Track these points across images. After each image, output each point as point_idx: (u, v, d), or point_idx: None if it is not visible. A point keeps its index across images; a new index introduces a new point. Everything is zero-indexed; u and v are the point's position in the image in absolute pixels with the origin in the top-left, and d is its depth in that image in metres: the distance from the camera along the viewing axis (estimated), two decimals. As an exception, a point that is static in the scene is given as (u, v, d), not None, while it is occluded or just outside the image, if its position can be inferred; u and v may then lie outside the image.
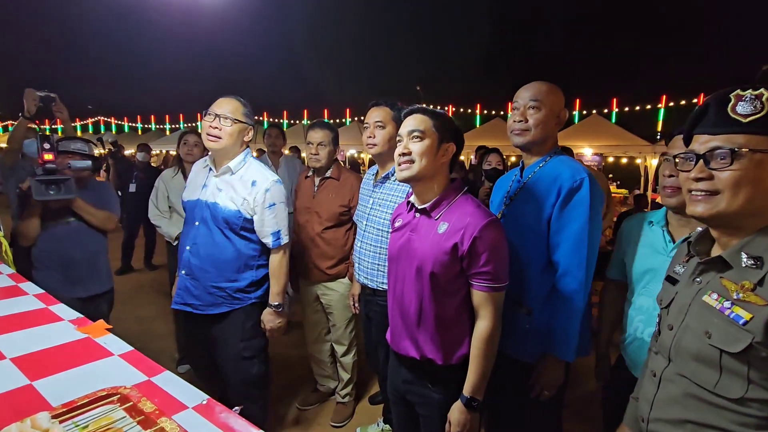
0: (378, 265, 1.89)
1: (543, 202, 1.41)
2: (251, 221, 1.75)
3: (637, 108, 12.85)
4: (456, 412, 1.25)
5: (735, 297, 0.81)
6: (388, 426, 2.26)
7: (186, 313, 1.81)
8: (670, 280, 1.03)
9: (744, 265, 0.82)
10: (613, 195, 8.45)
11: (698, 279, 0.91)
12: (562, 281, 1.39)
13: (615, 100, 13.12)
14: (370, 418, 2.44)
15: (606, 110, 12.93)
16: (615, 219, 4.56)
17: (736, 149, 0.80)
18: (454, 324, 1.28)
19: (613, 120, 12.20)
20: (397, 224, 1.41)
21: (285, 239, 1.81)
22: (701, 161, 0.84)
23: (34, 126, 2.29)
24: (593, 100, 13.02)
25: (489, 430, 1.68)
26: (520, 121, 1.43)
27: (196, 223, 1.76)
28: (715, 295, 0.85)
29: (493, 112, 14.91)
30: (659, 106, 12.29)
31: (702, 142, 0.86)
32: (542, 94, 1.41)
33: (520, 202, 1.49)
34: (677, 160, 0.90)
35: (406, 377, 1.38)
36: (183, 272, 1.77)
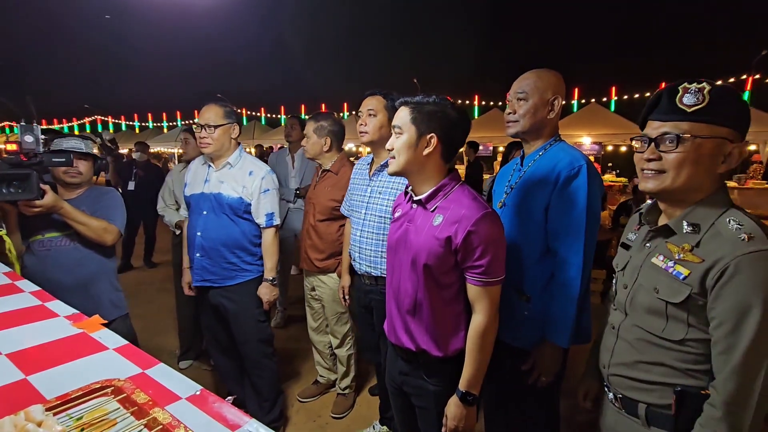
0: (381, 252, 1.85)
1: (542, 190, 1.41)
2: (251, 205, 2.05)
3: (636, 96, 12.75)
4: (452, 406, 1.25)
5: (677, 257, 0.95)
6: (385, 428, 2.24)
7: (204, 295, 2.12)
8: (624, 246, 1.17)
9: (684, 231, 0.96)
10: (612, 183, 8.41)
11: (648, 244, 1.06)
12: (559, 268, 1.39)
13: (614, 88, 13.04)
14: (371, 409, 2.45)
15: (605, 99, 12.85)
16: (614, 208, 4.55)
17: (681, 134, 0.92)
18: (449, 316, 1.27)
19: (612, 108, 12.13)
20: (396, 214, 1.40)
21: (276, 221, 2.11)
22: (653, 144, 0.97)
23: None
24: (592, 89, 12.94)
25: (487, 418, 1.69)
26: (510, 113, 1.49)
27: (204, 212, 2.04)
28: (661, 257, 0.99)
29: (491, 103, 14.83)
30: (658, 93, 12.17)
31: (654, 128, 0.98)
32: (528, 85, 1.44)
33: (520, 191, 1.49)
34: (634, 142, 1.03)
35: (403, 368, 1.38)
36: (198, 255, 2.06)
